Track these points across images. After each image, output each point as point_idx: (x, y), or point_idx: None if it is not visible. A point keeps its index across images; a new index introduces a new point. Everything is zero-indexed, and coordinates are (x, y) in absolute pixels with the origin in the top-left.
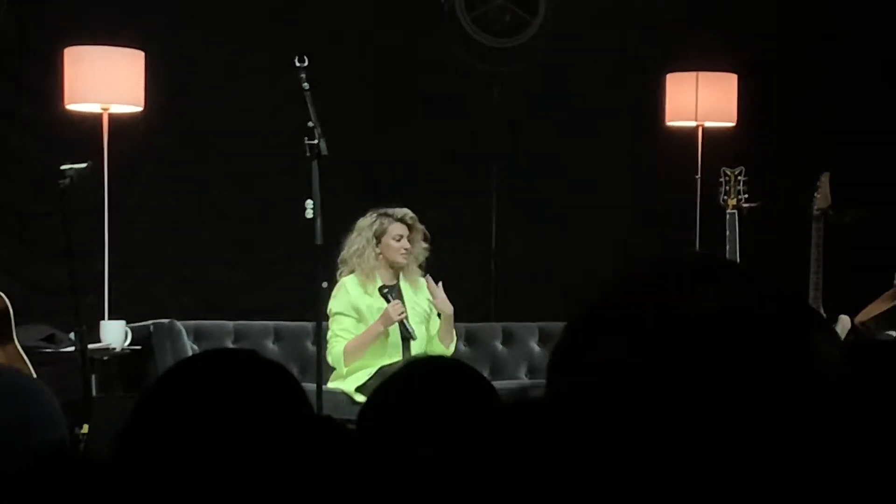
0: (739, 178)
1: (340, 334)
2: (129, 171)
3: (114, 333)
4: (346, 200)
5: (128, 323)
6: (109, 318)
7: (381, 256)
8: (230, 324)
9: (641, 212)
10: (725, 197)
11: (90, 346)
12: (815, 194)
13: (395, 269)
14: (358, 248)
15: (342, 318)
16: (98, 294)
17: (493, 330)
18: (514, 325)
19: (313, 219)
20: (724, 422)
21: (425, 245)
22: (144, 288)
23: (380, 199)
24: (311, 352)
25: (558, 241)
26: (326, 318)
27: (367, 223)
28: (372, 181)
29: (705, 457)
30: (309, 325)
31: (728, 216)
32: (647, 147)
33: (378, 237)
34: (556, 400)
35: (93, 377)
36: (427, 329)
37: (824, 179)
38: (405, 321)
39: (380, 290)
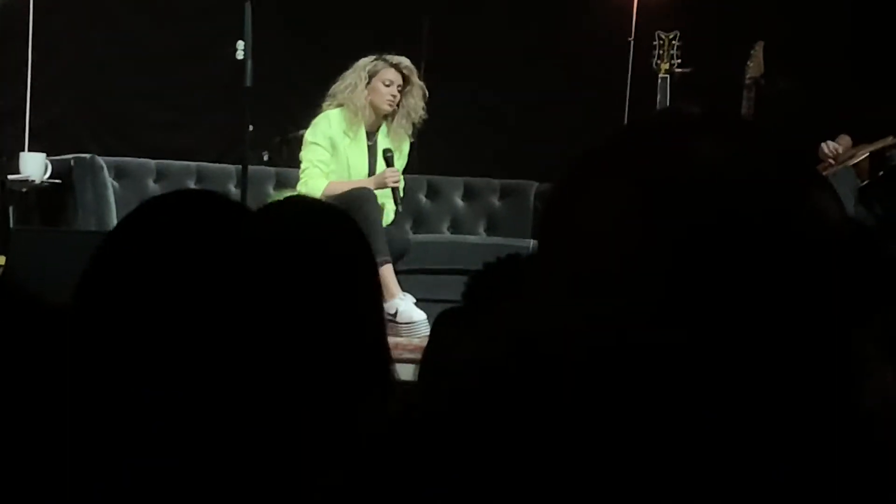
0: (674, 42)
1: (318, 165)
2: (56, 1)
3: (33, 165)
4: (276, 43)
5: (48, 156)
6: (29, 151)
7: (368, 98)
8: (152, 162)
9: (572, 73)
10: (658, 61)
11: (9, 177)
12: (749, 63)
13: (379, 116)
14: (350, 84)
15: (318, 148)
16: (19, 125)
17: (417, 183)
18: (439, 179)
19: (244, 60)
20: (728, 277)
21: (422, 104)
22: (65, 122)
23: (311, 42)
24: (235, 195)
25: (486, 98)
26: (256, 161)
27: (363, 62)
28: (303, 25)
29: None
30: (232, 167)
31: (660, 81)
32: (580, 8)
33: (370, 76)
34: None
35: (10, 209)
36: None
37: (758, 48)
38: (397, 190)
39: (384, 152)
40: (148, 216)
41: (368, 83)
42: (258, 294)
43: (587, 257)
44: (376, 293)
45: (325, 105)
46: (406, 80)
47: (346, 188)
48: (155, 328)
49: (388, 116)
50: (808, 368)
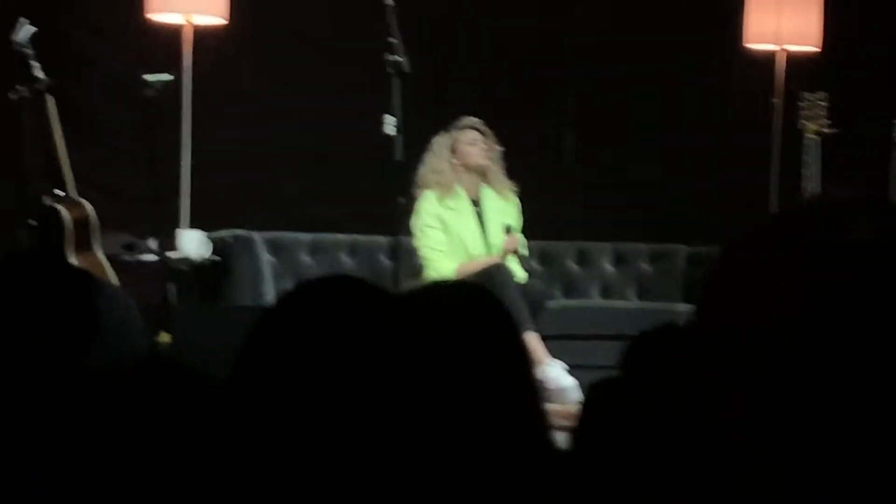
0: (820, 102)
1: (438, 247)
2: (209, 81)
3: (192, 242)
4: (424, 118)
5: (204, 231)
6: (186, 227)
7: (459, 168)
8: (307, 236)
9: (717, 135)
10: (804, 122)
11: (167, 254)
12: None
13: (480, 175)
14: (433, 165)
15: (432, 231)
16: (175, 204)
17: (566, 249)
18: (588, 245)
19: (394, 135)
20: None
21: (500, 149)
22: (219, 199)
23: (458, 117)
24: (386, 266)
25: (634, 163)
26: (407, 234)
27: (439, 141)
28: (451, 100)
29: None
30: (384, 239)
31: (805, 142)
32: (725, 70)
33: (453, 149)
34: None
35: (170, 285)
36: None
37: None
38: (518, 254)
39: (505, 228)
40: (300, 300)
41: (454, 154)
42: (411, 380)
43: (744, 340)
44: (524, 362)
45: (415, 192)
46: (483, 134)
47: (476, 268)
48: (306, 408)
49: (486, 175)
50: None
